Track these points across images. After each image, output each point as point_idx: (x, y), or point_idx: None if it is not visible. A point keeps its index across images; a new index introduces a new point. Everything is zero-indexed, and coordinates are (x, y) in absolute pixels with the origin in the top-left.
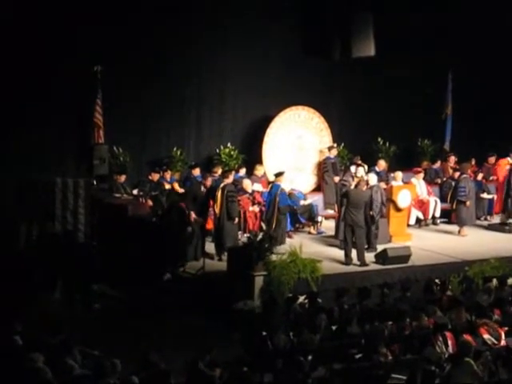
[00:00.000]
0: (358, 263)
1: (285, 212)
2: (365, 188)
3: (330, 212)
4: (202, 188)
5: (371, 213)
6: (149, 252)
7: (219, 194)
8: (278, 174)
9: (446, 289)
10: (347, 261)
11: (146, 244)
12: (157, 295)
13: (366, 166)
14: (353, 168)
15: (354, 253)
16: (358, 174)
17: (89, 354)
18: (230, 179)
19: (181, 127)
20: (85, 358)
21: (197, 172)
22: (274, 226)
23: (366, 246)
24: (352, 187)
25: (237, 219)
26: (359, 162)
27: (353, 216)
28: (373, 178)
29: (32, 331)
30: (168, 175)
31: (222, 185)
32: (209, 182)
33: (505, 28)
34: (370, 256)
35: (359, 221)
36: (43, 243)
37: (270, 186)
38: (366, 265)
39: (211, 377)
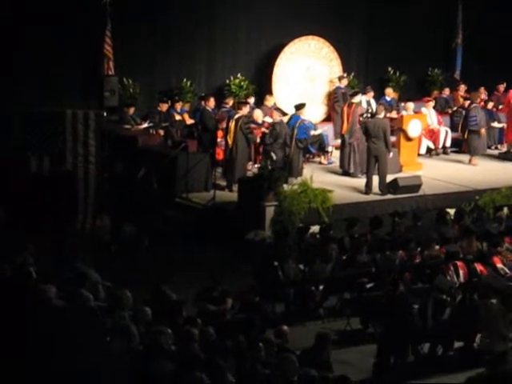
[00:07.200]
0: (380, 192)
1: (302, 146)
2: (382, 116)
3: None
4: None
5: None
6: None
7: (232, 125)
8: (299, 107)
9: (462, 217)
10: (367, 190)
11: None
12: (167, 226)
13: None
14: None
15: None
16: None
17: (102, 285)
18: (244, 111)
19: (191, 58)
20: (99, 290)
21: (211, 104)
22: (291, 156)
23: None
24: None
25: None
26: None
27: (375, 145)
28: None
29: (46, 263)
30: (179, 106)
31: (236, 116)
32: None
33: None
34: None
35: (381, 149)
36: (54, 176)
37: (289, 117)
38: (387, 193)
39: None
